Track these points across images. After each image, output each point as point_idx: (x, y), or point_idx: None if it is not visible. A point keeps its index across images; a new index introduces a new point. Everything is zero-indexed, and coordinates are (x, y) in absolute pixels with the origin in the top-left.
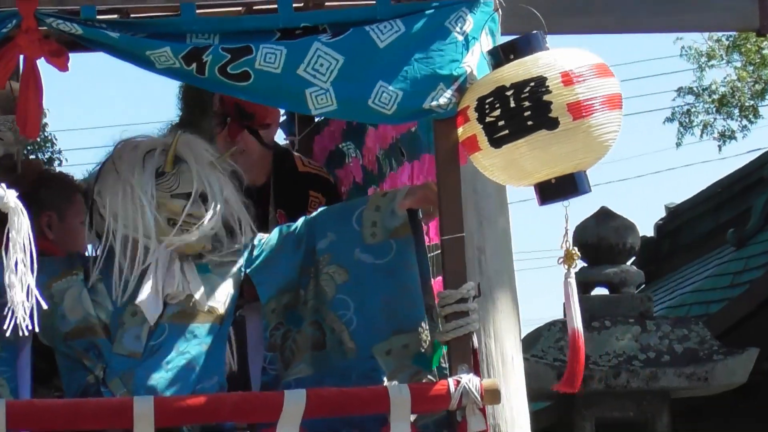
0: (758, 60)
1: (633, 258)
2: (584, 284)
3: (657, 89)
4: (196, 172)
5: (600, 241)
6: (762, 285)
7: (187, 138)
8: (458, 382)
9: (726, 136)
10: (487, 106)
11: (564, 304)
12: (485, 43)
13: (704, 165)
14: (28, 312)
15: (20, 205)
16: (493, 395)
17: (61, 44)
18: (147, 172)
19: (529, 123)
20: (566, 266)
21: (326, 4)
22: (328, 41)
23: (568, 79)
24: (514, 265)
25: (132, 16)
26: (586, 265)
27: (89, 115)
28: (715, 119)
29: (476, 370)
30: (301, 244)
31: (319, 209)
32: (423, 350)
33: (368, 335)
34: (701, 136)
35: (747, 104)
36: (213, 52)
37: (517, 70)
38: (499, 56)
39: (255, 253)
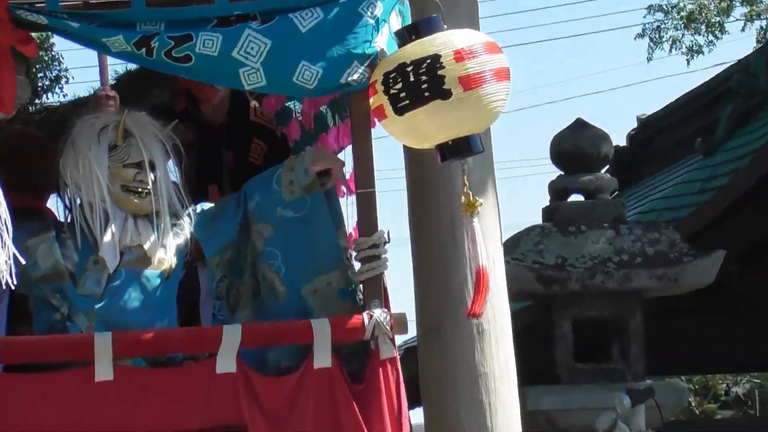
0: None
1: (607, 166)
2: (561, 191)
3: (629, 7)
4: (143, 144)
5: (576, 150)
6: (729, 191)
7: (134, 115)
8: (371, 315)
9: (694, 51)
10: (391, 80)
11: (469, 246)
12: (395, 24)
13: (673, 78)
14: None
15: None
16: (401, 326)
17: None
18: (101, 146)
19: (426, 94)
20: (468, 213)
21: None
22: (258, 27)
23: (459, 56)
24: (496, 174)
25: (91, 2)
26: (563, 173)
27: None
28: (683, 35)
29: (386, 305)
30: (239, 207)
31: (252, 178)
32: (345, 286)
33: (295, 278)
34: (670, 51)
35: (713, 20)
36: (159, 39)
37: (416, 48)
38: (404, 37)
39: (199, 216)
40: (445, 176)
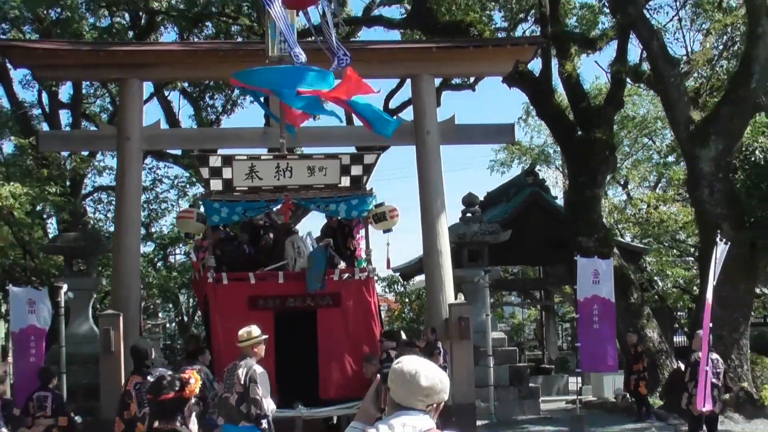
0: (515, 150)
1: (477, 205)
2: (465, 214)
3: (485, 164)
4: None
5: (469, 201)
6: (512, 214)
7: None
8: (369, 267)
9: (498, 170)
10: (373, 215)
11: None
12: (378, 200)
13: (497, 180)
14: None
15: None
16: (374, 271)
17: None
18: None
19: (381, 218)
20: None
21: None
22: (338, 204)
23: (388, 211)
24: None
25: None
26: (465, 207)
27: None
28: (500, 168)
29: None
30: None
31: None
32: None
33: None
34: (497, 173)
35: (509, 164)
36: (316, 208)
37: (379, 210)
38: (376, 206)
39: None
40: (430, 199)
